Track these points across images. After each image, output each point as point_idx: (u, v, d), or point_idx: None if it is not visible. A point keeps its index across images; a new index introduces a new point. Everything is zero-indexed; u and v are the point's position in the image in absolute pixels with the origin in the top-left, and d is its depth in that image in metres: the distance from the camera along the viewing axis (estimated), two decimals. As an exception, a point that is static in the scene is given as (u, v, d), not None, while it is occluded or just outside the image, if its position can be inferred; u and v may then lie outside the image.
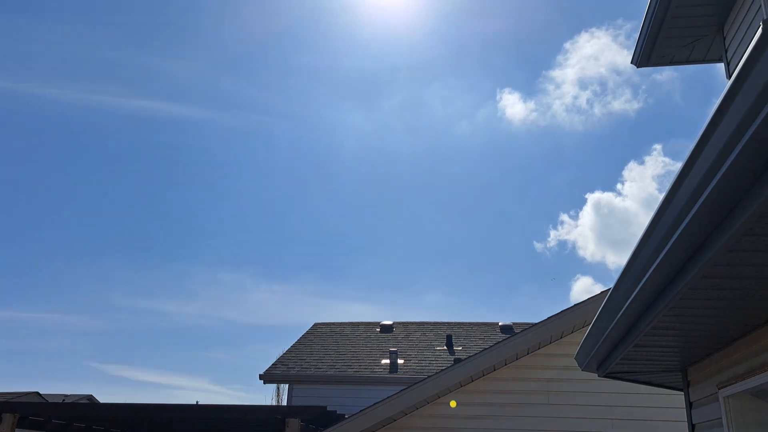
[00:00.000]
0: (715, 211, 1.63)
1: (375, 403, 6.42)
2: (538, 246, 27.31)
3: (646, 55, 5.65)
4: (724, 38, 5.16)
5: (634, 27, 21.48)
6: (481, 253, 30.37)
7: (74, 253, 30.10)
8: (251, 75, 25.24)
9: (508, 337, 6.47)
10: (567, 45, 24.21)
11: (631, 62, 5.65)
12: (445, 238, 28.65)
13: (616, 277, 2.59)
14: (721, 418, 3.10)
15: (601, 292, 6.01)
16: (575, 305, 6.30)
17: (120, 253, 29.60)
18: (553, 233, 27.51)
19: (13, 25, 20.70)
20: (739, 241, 1.73)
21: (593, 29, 23.42)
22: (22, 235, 29.00)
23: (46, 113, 23.66)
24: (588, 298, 6.23)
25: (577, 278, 28.59)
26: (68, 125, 24.90)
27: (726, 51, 5.16)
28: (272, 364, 13.22)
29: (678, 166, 1.71)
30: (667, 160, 24.28)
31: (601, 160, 27.15)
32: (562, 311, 6.28)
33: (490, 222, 28.74)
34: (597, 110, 24.38)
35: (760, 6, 4.77)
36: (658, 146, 26.58)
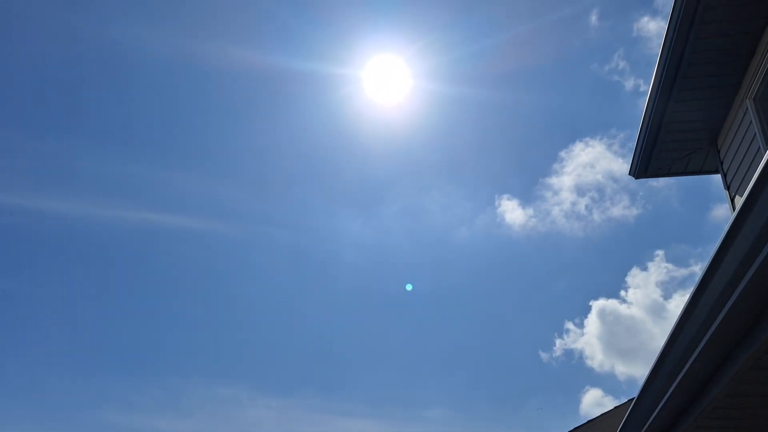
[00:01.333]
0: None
1: None
2: (544, 356, 26.66)
3: (643, 167, 5.75)
4: (719, 150, 5.26)
5: (627, 136, 22.17)
6: (485, 364, 29.61)
7: (68, 368, 29.43)
8: (253, 184, 25.84)
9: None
10: (562, 153, 24.90)
11: (629, 174, 5.74)
12: (448, 348, 28.04)
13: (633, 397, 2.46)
14: None
15: (614, 408, 5.75)
16: (588, 422, 6.02)
17: (114, 368, 28.94)
18: (558, 342, 26.96)
19: (12, 140, 21.57)
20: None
21: (587, 138, 24.17)
22: (13, 350, 28.52)
23: (44, 226, 24.03)
24: (600, 415, 5.96)
25: (587, 390, 27.69)
26: (66, 238, 25.20)
27: (722, 163, 5.24)
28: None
29: (687, 275, 1.65)
30: (669, 266, 24.27)
31: (604, 266, 27.12)
32: (575, 429, 5.99)
33: (494, 331, 28.23)
34: (596, 216, 24.68)
35: (751, 121, 4.89)
36: (660, 252, 26.65)
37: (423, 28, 20.89)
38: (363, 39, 19.49)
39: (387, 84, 20.05)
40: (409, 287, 24.08)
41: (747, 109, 4.86)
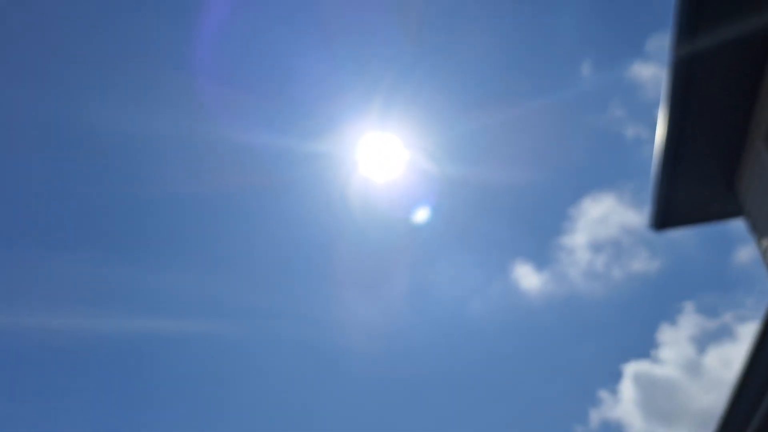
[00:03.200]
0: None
1: None
2: (580, 429, 25.41)
3: (662, 219, 5.62)
4: (739, 193, 5.16)
5: (637, 186, 22.08)
6: None
7: None
8: (248, 278, 25.55)
9: None
10: (571, 211, 24.79)
11: (649, 227, 5.60)
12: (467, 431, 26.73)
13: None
14: None
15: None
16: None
17: None
18: (593, 413, 25.76)
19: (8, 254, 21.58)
20: None
21: (595, 193, 24.11)
22: None
23: (37, 342, 23.62)
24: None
25: (631, 463, 26.18)
26: (54, 354, 24.68)
27: (743, 206, 5.12)
28: None
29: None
30: (700, 318, 23.51)
31: (631, 325, 26.26)
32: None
33: (521, 409, 26.98)
34: (615, 273, 24.19)
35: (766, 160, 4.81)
36: (688, 304, 25.89)
37: (417, 108, 21.31)
38: (355, 118, 19.87)
39: (381, 162, 20.27)
40: None
41: (760, 149, 4.79)
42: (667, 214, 5.55)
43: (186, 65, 21.68)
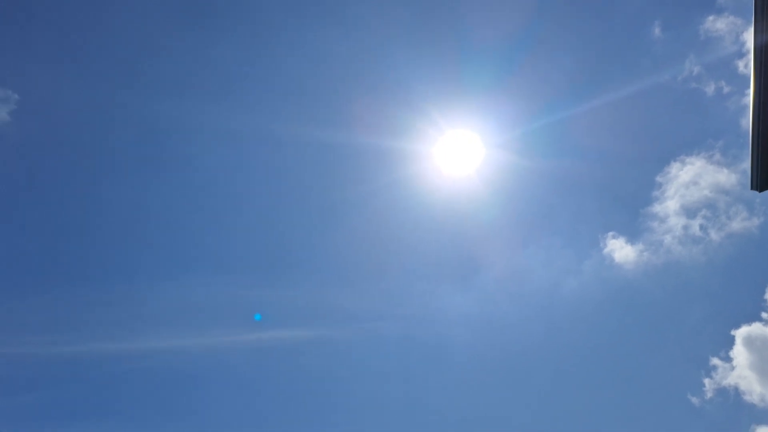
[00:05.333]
0: None
1: None
2: (695, 400, 24.40)
3: (763, 179, 5.55)
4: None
5: (726, 143, 21.08)
6: (628, 423, 27.23)
7: None
8: (347, 283, 26.13)
9: None
10: (659, 178, 23.93)
11: (752, 189, 5.55)
12: (579, 414, 26.13)
13: None
14: None
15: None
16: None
17: None
18: (708, 382, 24.64)
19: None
20: None
21: (682, 156, 23.17)
22: None
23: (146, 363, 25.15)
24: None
25: (754, 429, 24.93)
26: (185, 370, 26.22)
27: None
28: None
29: None
30: (811, 271, 22.07)
31: (736, 288, 24.99)
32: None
33: (630, 383, 26.17)
34: (714, 236, 23.16)
35: None
36: (796, 259, 24.33)
37: (493, 104, 21.27)
38: (435, 115, 20.05)
39: (461, 155, 20.41)
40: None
41: None
42: (769, 174, 5.48)
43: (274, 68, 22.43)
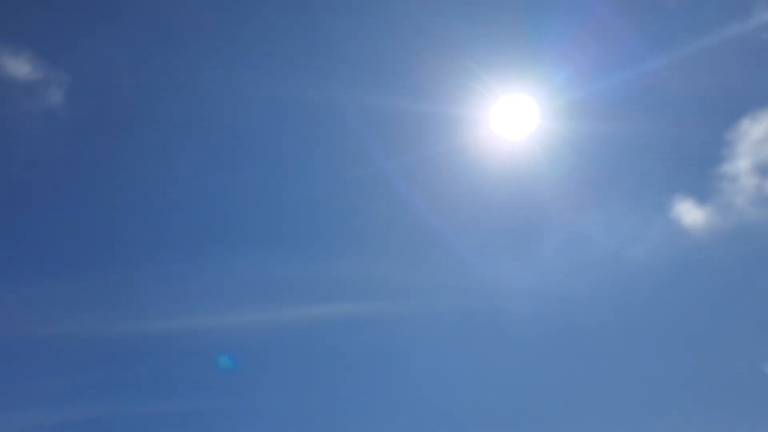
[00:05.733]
0: None
1: None
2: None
3: None
4: None
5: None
6: (701, 396, 25.96)
7: None
8: (401, 257, 25.66)
9: None
10: (728, 136, 22.66)
11: None
12: (648, 389, 25.01)
13: None
14: None
15: None
16: None
17: None
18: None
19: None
20: None
21: (754, 112, 21.88)
22: None
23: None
24: None
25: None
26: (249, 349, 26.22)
27: None
28: None
29: None
30: None
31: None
32: None
33: (700, 356, 24.92)
34: (790, 194, 21.76)
35: None
36: None
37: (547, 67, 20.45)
38: (490, 80, 19.38)
39: (517, 121, 19.70)
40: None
41: None
42: None
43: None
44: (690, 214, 21.50)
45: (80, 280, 26.11)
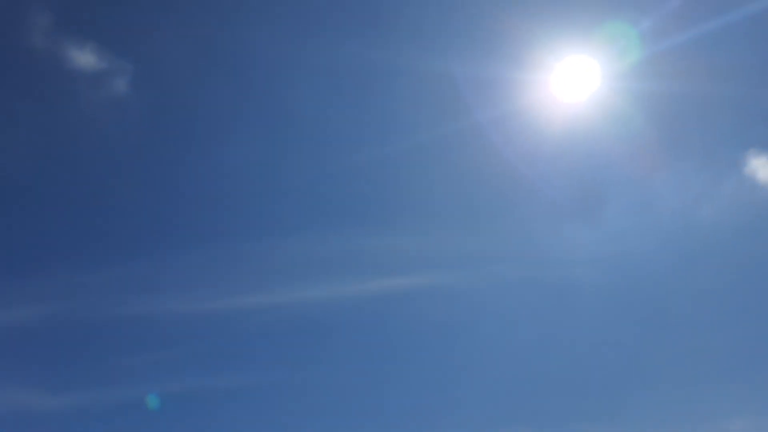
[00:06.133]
0: None
1: None
2: None
3: None
4: None
5: None
6: None
7: None
8: (466, 227, 25.41)
9: None
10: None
11: None
12: (722, 353, 24.07)
13: None
14: None
15: None
16: None
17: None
18: None
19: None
20: None
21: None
22: None
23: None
24: None
25: None
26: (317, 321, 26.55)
27: None
28: None
29: None
30: None
31: None
32: None
33: None
34: None
35: None
36: None
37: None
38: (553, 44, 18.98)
39: (581, 83, 19.30)
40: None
41: None
42: None
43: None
44: (765, 169, 20.78)
45: (163, 261, 26.91)
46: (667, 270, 23.11)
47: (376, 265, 27.08)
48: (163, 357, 27.63)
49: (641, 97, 20.36)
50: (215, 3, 22.17)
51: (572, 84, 19.29)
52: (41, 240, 27.45)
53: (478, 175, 25.09)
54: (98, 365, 27.97)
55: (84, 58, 22.09)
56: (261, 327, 27.79)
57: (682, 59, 19.66)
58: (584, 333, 25.05)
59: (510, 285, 26.36)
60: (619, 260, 24.07)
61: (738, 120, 21.65)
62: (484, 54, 19.43)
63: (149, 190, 27.28)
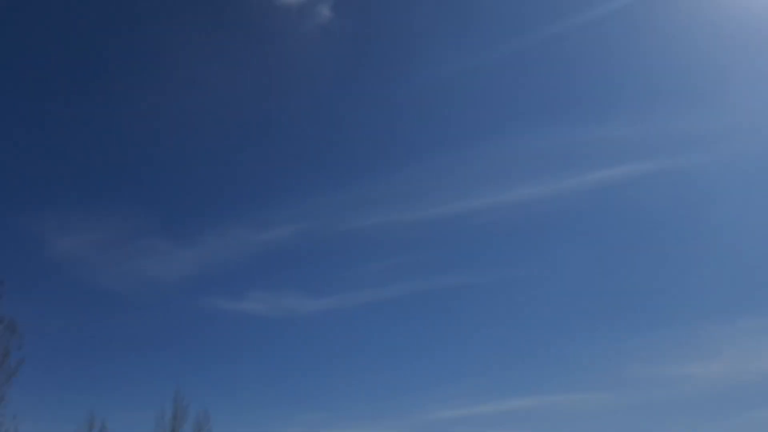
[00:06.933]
0: None
1: None
2: None
3: None
4: None
5: None
6: None
7: (583, 332, 30.94)
8: (691, 103, 23.43)
9: None
10: None
11: None
12: None
13: None
14: None
15: None
16: None
17: (630, 325, 29.22)
18: None
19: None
20: None
21: None
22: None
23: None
24: None
25: None
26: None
27: None
28: None
29: None
30: None
31: None
32: None
33: None
34: None
35: None
36: None
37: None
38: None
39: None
40: None
41: None
42: None
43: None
44: None
45: (386, 176, 29.44)
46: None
47: (592, 156, 26.41)
48: (402, 261, 30.68)
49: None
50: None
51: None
52: (282, 170, 31.41)
53: (692, 53, 22.91)
54: (349, 272, 32.06)
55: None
56: (489, 227, 29.19)
57: None
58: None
59: (745, 162, 23.82)
60: (738, 146, 21.09)
61: None
62: None
63: (373, 109, 29.22)
